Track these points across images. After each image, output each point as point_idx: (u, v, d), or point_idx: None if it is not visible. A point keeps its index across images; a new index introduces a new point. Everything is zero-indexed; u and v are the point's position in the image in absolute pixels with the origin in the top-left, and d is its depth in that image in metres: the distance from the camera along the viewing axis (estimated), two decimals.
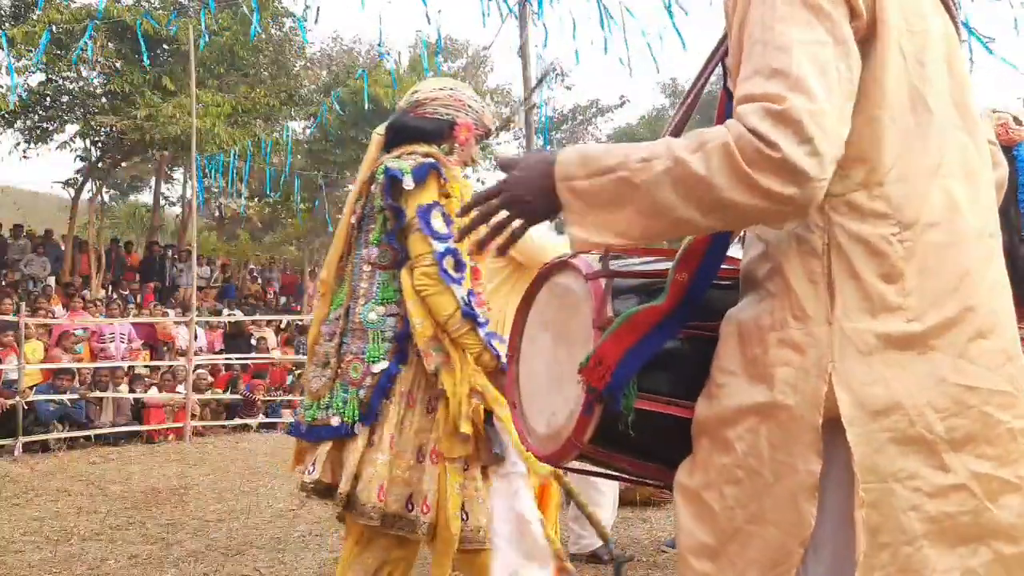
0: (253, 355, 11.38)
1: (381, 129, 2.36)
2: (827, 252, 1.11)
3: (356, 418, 2.09)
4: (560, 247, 2.92)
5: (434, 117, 2.31)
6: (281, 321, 13.52)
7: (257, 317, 13.05)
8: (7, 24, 12.74)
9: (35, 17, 12.58)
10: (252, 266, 19.05)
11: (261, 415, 10.29)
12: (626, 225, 1.12)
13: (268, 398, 10.60)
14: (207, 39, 11.37)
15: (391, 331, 2.13)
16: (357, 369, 2.11)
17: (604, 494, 3.90)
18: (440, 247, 2.08)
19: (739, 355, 1.17)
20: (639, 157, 1.09)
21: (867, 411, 1.07)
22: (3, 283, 11.97)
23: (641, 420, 1.22)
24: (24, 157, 15.42)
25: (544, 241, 3.10)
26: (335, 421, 2.11)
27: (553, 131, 21.88)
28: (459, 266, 2.11)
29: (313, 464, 2.15)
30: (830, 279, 1.11)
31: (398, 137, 2.31)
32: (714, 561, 1.17)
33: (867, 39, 1.11)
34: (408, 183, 2.10)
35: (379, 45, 15.90)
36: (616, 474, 1.46)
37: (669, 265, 1.24)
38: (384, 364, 2.10)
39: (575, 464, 1.36)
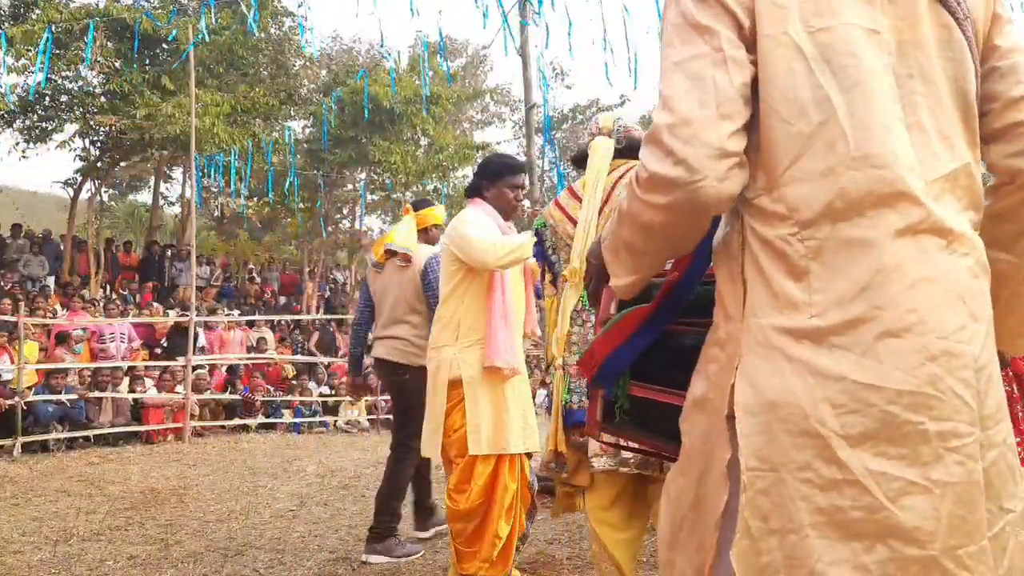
0: (253, 355, 11.38)
1: (608, 144, 2.79)
2: (742, 253, 1.19)
3: None
4: (499, 245, 3.19)
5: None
6: (279, 321, 13.52)
7: (257, 317, 13.05)
8: (6, 24, 12.71)
9: (34, 17, 12.56)
10: (251, 266, 19.05)
11: (261, 415, 10.28)
12: (629, 265, 1.29)
13: (268, 398, 10.59)
14: (207, 39, 11.32)
15: None
16: None
17: None
18: None
19: (702, 353, 1.26)
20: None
21: (764, 402, 1.11)
22: (1, 283, 11.94)
23: (641, 405, 1.41)
24: (23, 157, 15.39)
25: (482, 243, 3.18)
26: None
27: (554, 131, 21.86)
28: None
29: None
30: (744, 278, 1.18)
31: (629, 154, 2.73)
32: (671, 550, 1.26)
33: (756, 47, 1.16)
34: None
35: (381, 46, 15.93)
36: (646, 450, 1.73)
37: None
38: None
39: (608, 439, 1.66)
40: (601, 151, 2.77)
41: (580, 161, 2.88)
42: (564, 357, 2.63)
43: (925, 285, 1.09)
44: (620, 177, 2.71)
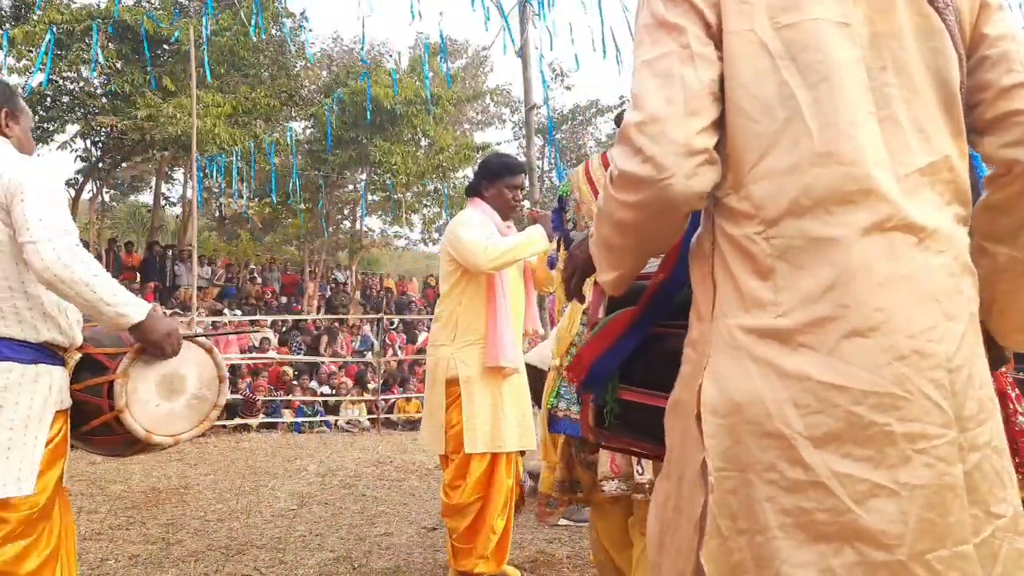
0: (253, 355, 11.39)
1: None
2: (712, 253, 1.18)
3: None
4: (491, 248, 3.13)
5: None
6: (279, 321, 13.53)
7: (258, 317, 13.06)
8: (7, 24, 12.73)
9: (36, 17, 12.58)
10: (252, 266, 19.07)
11: (261, 415, 10.29)
12: (610, 261, 1.28)
13: (268, 398, 10.60)
14: (206, 44, 11.34)
15: None
16: None
17: None
18: None
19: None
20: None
21: (729, 403, 1.10)
22: None
23: (632, 409, 1.40)
24: None
25: (475, 245, 3.16)
26: None
27: (554, 131, 21.86)
28: None
29: (641, 464, 2.13)
30: (714, 278, 1.17)
31: None
32: (659, 554, 1.24)
33: (723, 45, 1.14)
34: None
35: (361, 48, 15.92)
36: (639, 452, 1.68)
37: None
38: None
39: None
40: None
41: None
42: (562, 359, 2.47)
43: (894, 283, 1.06)
44: None
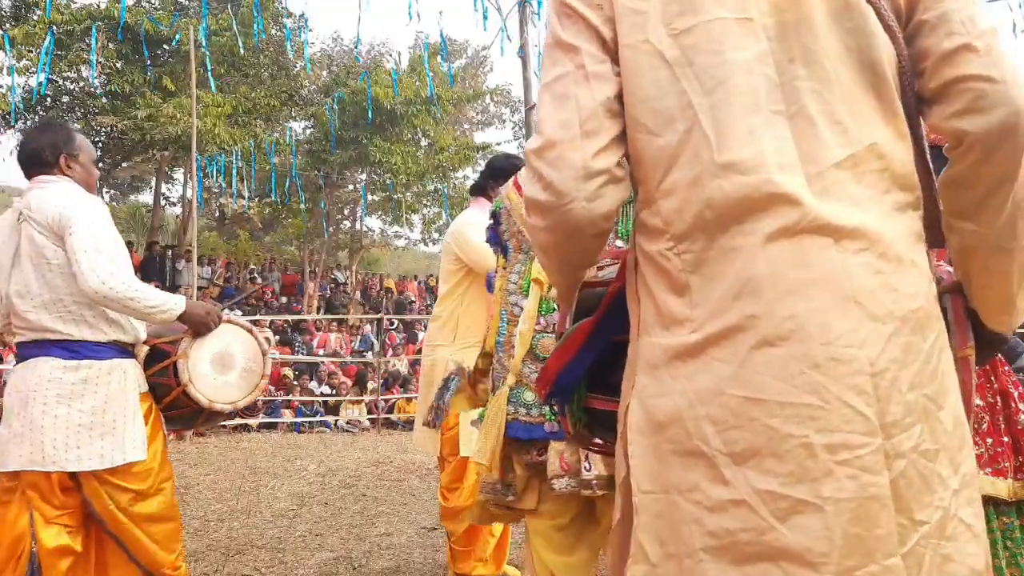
0: None
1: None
2: (636, 270, 1.15)
3: None
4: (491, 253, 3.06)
5: None
6: (279, 321, 13.54)
7: (258, 317, 13.06)
8: (7, 24, 12.74)
9: (35, 17, 12.58)
10: (252, 266, 19.08)
11: (261, 415, 10.30)
12: (550, 277, 1.33)
13: (268, 398, 10.61)
14: (206, 46, 11.34)
15: None
16: None
17: None
18: None
19: None
20: None
21: (653, 423, 1.07)
22: None
23: (601, 417, 1.38)
24: None
25: (483, 247, 3.14)
26: None
27: None
28: None
29: (588, 460, 2.11)
30: (638, 295, 1.14)
31: None
32: (613, 571, 1.22)
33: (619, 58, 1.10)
34: None
35: (356, 47, 15.88)
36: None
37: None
38: None
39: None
40: None
41: None
42: (522, 365, 2.29)
43: (805, 289, 1.00)
44: None
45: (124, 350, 2.63)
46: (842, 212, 1.02)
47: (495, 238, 2.53)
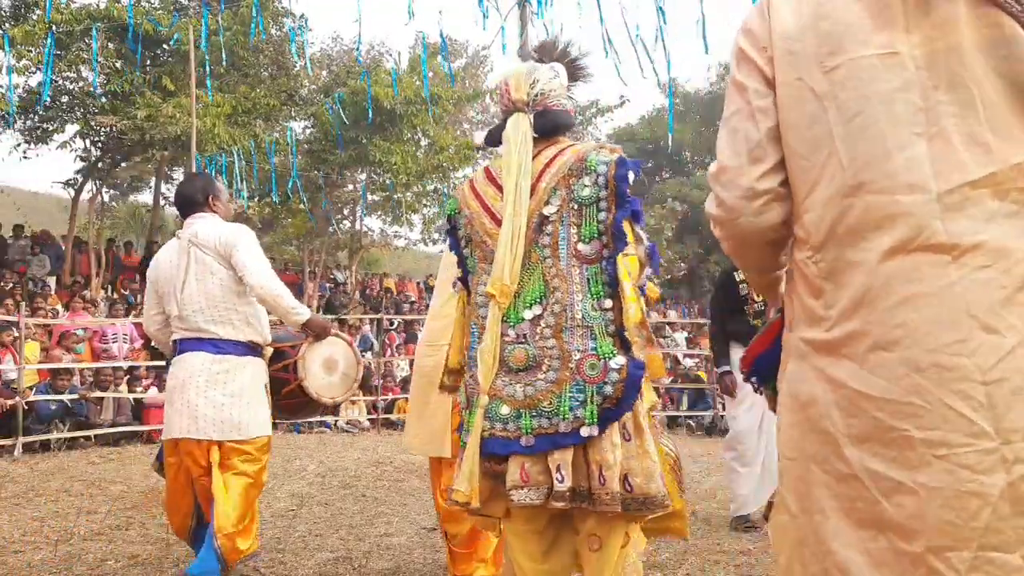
0: None
1: (526, 124, 2.22)
2: (789, 275, 1.40)
3: (597, 417, 2.03)
4: None
5: (563, 109, 2.30)
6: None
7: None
8: (7, 24, 12.72)
9: (35, 17, 12.57)
10: None
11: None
12: (745, 276, 1.59)
13: None
14: (205, 46, 11.31)
15: (612, 325, 2.10)
16: (595, 367, 2.05)
17: (739, 472, 4.68)
18: (646, 240, 2.20)
19: None
20: None
21: (797, 403, 1.30)
22: (2, 283, 11.95)
23: None
24: (24, 157, 15.39)
25: None
26: (584, 427, 2.03)
27: None
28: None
29: (560, 472, 2.05)
30: (790, 296, 1.38)
31: (555, 132, 2.27)
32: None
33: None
34: (634, 176, 2.15)
35: (357, 48, 15.86)
36: None
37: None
38: (622, 359, 2.07)
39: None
40: (520, 133, 2.21)
41: (495, 141, 2.31)
42: (495, 378, 2.15)
43: (916, 301, 1.15)
44: (548, 164, 2.18)
45: (255, 349, 3.45)
46: (967, 229, 1.13)
47: (454, 245, 2.38)
